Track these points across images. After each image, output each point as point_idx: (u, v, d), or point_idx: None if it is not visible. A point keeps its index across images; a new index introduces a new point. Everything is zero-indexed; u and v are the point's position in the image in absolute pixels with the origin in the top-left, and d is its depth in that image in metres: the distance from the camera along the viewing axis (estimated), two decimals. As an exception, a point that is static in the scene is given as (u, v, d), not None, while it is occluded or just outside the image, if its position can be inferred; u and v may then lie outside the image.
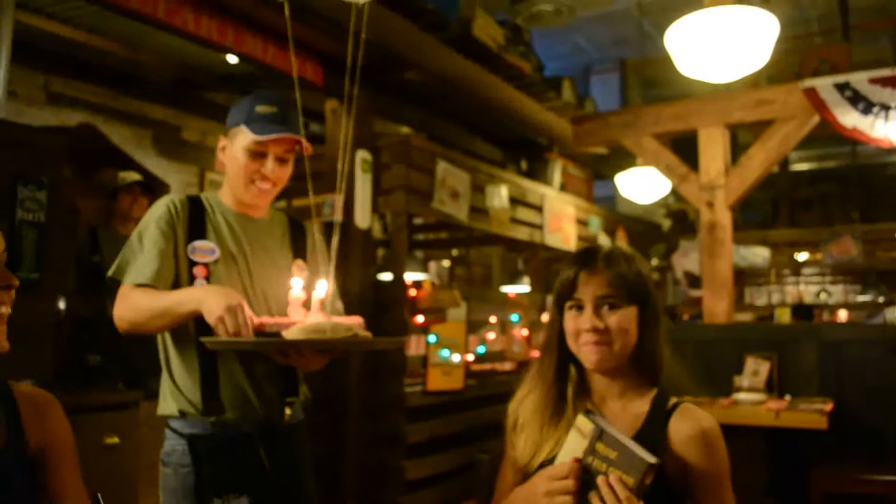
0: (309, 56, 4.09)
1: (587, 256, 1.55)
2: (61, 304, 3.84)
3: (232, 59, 4.01)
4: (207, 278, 1.84)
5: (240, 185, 1.92)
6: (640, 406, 1.52)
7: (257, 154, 1.89)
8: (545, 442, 1.52)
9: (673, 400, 1.52)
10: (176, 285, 1.84)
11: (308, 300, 1.74)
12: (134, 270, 1.82)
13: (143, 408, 3.24)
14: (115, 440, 3.08)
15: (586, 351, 1.50)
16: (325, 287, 1.71)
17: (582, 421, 1.39)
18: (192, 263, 1.85)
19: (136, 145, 4.99)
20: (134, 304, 1.79)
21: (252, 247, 1.94)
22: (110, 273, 1.86)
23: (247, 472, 1.82)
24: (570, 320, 1.53)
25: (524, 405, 1.59)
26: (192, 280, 1.84)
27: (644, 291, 1.53)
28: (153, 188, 4.22)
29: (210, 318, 1.66)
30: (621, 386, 1.54)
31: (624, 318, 1.49)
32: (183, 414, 1.81)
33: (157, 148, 5.12)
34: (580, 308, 1.51)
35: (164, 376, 1.88)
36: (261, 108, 1.89)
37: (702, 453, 1.44)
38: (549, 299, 1.65)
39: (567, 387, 1.56)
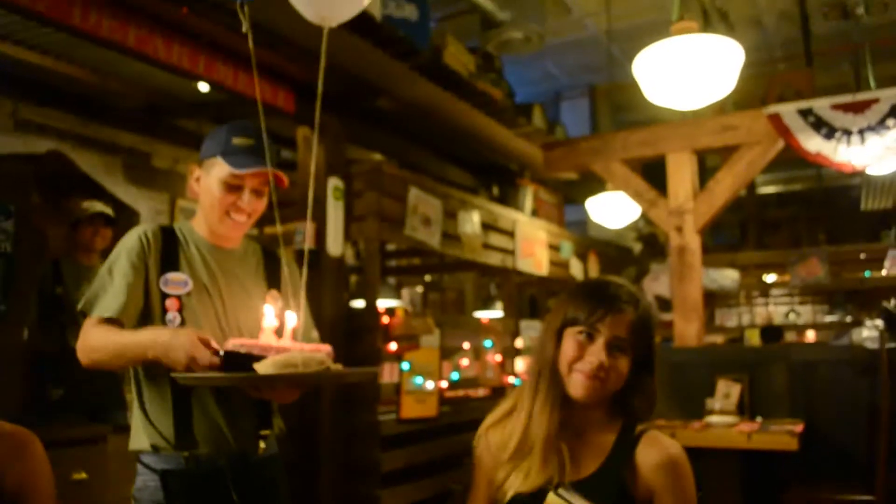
0: (280, 83, 4.09)
1: (615, 294, 1.54)
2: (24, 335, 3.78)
3: (203, 86, 4.00)
4: (180, 311, 1.82)
5: (214, 216, 1.90)
6: (607, 435, 1.53)
7: (233, 187, 1.88)
8: (543, 470, 1.50)
9: (639, 427, 1.53)
10: (148, 318, 1.82)
11: (281, 328, 1.73)
12: (101, 304, 1.79)
13: (112, 442, 3.17)
14: (83, 476, 3.01)
15: (579, 379, 1.50)
16: (295, 317, 1.71)
17: (554, 500, 1.33)
18: (165, 296, 1.83)
19: (105, 172, 4.93)
20: (95, 344, 1.75)
21: (226, 278, 1.92)
22: (80, 307, 1.82)
23: None
24: (574, 344, 1.52)
25: (537, 431, 1.53)
26: (164, 313, 1.81)
27: (651, 341, 1.54)
28: (114, 220, 4.16)
29: (177, 368, 1.64)
30: (598, 417, 1.55)
31: (625, 364, 1.51)
32: (155, 448, 1.78)
33: (127, 175, 5.07)
34: (591, 337, 1.51)
35: (136, 410, 1.85)
36: (237, 140, 1.88)
37: (670, 481, 1.45)
38: (548, 321, 1.62)
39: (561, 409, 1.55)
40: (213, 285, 1.90)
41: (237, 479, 1.81)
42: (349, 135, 4.45)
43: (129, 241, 1.86)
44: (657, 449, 1.48)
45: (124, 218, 4.96)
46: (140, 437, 1.81)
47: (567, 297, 1.59)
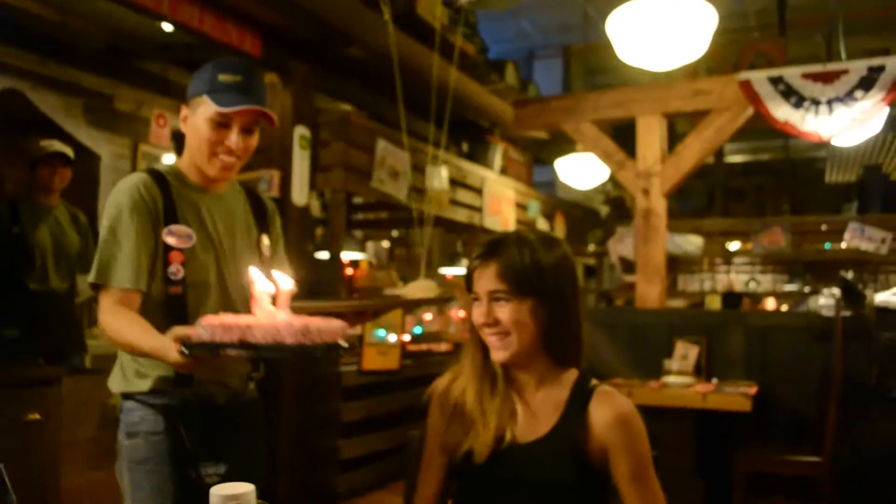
0: (247, 26, 3.99)
1: (481, 248, 1.51)
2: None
3: (167, 27, 3.89)
4: (184, 263, 1.75)
5: (203, 158, 1.81)
6: (560, 392, 1.52)
7: (220, 125, 1.79)
8: (488, 428, 1.49)
9: (593, 382, 1.52)
10: (151, 272, 1.75)
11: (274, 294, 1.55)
12: (115, 275, 1.70)
13: (66, 384, 3.13)
14: (37, 417, 2.97)
15: (489, 345, 1.50)
16: (290, 281, 1.54)
17: None
18: (167, 248, 1.75)
19: (65, 114, 4.80)
20: (111, 332, 1.67)
21: (223, 224, 1.86)
22: (92, 279, 1.72)
23: (222, 439, 1.78)
24: (473, 313, 1.52)
25: (467, 395, 1.54)
26: (167, 265, 1.74)
27: (540, 282, 1.47)
28: (73, 160, 4.03)
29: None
30: (539, 374, 1.53)
31: (517, 311, 1.46)
32: (154, 391, 1.74)
33: (88, 118, 4.94)
34: (478, 301, 1.50)
35: (128, 356, 1.77)
36: (224, 77, 1.78)
37: (623, 438, 1.45)
38: None
39: (496, 373, 1.54)
40: (215, 233, 1.84)
41: (232, 417, 1.82)
42: (317, 83, 4.37)
43: (128, 198, 1.74)
44: (609, 407, 1.47)
45: (85, 161, 4.84)
46: (137, 381, 1.75)
47: None
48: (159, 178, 1.81)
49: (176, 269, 1.75)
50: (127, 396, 1.77)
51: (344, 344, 1.46)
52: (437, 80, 5.05)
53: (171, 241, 1.75)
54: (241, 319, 1.46)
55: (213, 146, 1.80)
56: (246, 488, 1.10)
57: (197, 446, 1.74)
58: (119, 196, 1.75)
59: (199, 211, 1.83)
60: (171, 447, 1.72)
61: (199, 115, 1.80)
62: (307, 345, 1.41)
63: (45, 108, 4.65)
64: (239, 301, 1.85)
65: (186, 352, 1.47)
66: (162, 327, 1.68)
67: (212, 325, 1.46)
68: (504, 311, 1.46)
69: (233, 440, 1.81)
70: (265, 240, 1.92)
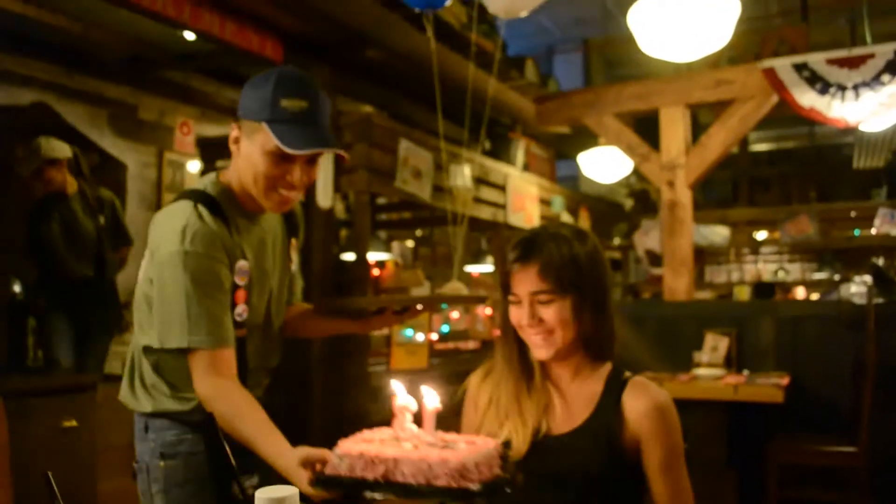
0: (268, 33, 4.02)
1: (518, 247, 1.51)
2: (16, 289, 3.77)
3: (189, 35, 3.93)
4: (247, 301, 1.63)
5: (259, 191, 1.60)
6: (595, 384, 1.53)
7: (282, 159, 1.55)
8: (526, 424, 1.51)
9: (626, 374, 1.53)
10: None
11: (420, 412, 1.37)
12: (213, 335, 1.53)
13: (101, 390, 3.19)
14: (73, 423, 3.03)
15: (532, 344, 1.51)
16: (436, 397, 1.34)
17: None
18: (234, 287, 1.61)
19: (91, 124, 4.87)
20: (219, 411, 1.49)
21: (272, 249, 1.74)
22: (184, 343, 1.53)
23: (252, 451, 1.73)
24: (513, 314, 1.52)
25: (503, 392, 1.56)
26: (233, 306, 1.61)
27: (578, 276, 1.47)
28: (44, 164, 3.97)
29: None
30: (574, 366, 1.55)
31: (560, 310, 1.46)
32: (197, 410, 1.63)
33: (114, 127, 5.01)
34: (519, 303, 1.50)
35: (154, 374, 1.65)
36: (287, 103, 1.52)
37: (657, 428, 1.46)
38: None
39: (533, 368, 1.56)
40: (267, 263, 1.72)
41: None
42: (339, 86, 4.39)
43: (209, 246, 1.55)
44: (644, 397, 1.48)
45: (111, 170, 4.92)
46: (172, 402, 1.64)
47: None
48: (214, 207, 1.61)
49: (242, 310, 1.61)
50: (158, 415, 1.65)
51: (507, 476, 1.23)
52: (458, 79, 5.05)
53: (237, 279, 1.60)
54: (385, 451, 1.23)
55: (271, 181, 1.58)
56: (290, 491, 1.06)
57: (237, 461, 1.60)
58: (197, 244, 1.53)
59: (254, 243, 1.68)
60: (213, 466, 1.61)
61: (256, 144, 1.56)
62: (468, 489, 1.16)
63: (72, 118, 4.72)
64: (277, 323, 1.77)
65: (319, 487, 1.28)
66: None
67: (351, 455, 1.24)
68: (548, 311, 1.47)
69: None
70: (294, 243, 1.83)
